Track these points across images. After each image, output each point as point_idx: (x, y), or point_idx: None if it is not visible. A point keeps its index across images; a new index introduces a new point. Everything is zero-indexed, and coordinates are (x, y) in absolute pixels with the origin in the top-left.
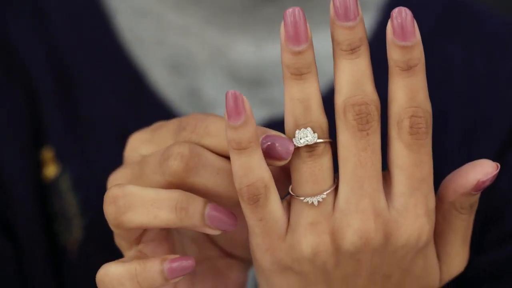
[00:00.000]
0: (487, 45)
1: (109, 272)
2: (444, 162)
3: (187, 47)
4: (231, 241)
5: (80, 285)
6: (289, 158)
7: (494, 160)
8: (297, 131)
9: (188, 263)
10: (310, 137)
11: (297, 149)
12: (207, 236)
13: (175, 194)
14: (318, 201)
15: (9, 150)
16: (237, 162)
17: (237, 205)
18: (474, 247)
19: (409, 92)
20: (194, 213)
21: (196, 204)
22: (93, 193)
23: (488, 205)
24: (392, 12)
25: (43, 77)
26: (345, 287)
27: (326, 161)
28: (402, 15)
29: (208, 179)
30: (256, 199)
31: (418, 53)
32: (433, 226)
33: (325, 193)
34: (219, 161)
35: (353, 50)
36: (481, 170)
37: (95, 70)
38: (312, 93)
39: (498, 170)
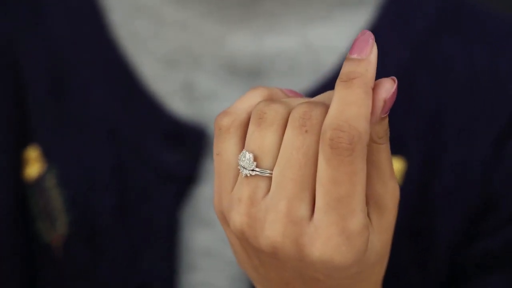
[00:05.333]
0: (488, 42)
1: None
2: (443, 155)
3: (184, 41)
4: None
5: (67, 281)
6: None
7: (491, 151)
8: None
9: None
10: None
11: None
12: None
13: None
14: (246, 175)
15: None
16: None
17: None
18: (469, 236)
19: (341, 104)
20: None
21: None
22: (81, 189)
23: (484, 194)
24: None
25: (35, 72)
26: (272, 267)
27: (270, 138)
28: (363, 34)
29: None
30: (219, 127)
31: (362, 69)
32: (354, 250)
33: (255, 169)
34: None
35: None
36: (383, 88)
37: (87, 67)
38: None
39: (396, 84)
